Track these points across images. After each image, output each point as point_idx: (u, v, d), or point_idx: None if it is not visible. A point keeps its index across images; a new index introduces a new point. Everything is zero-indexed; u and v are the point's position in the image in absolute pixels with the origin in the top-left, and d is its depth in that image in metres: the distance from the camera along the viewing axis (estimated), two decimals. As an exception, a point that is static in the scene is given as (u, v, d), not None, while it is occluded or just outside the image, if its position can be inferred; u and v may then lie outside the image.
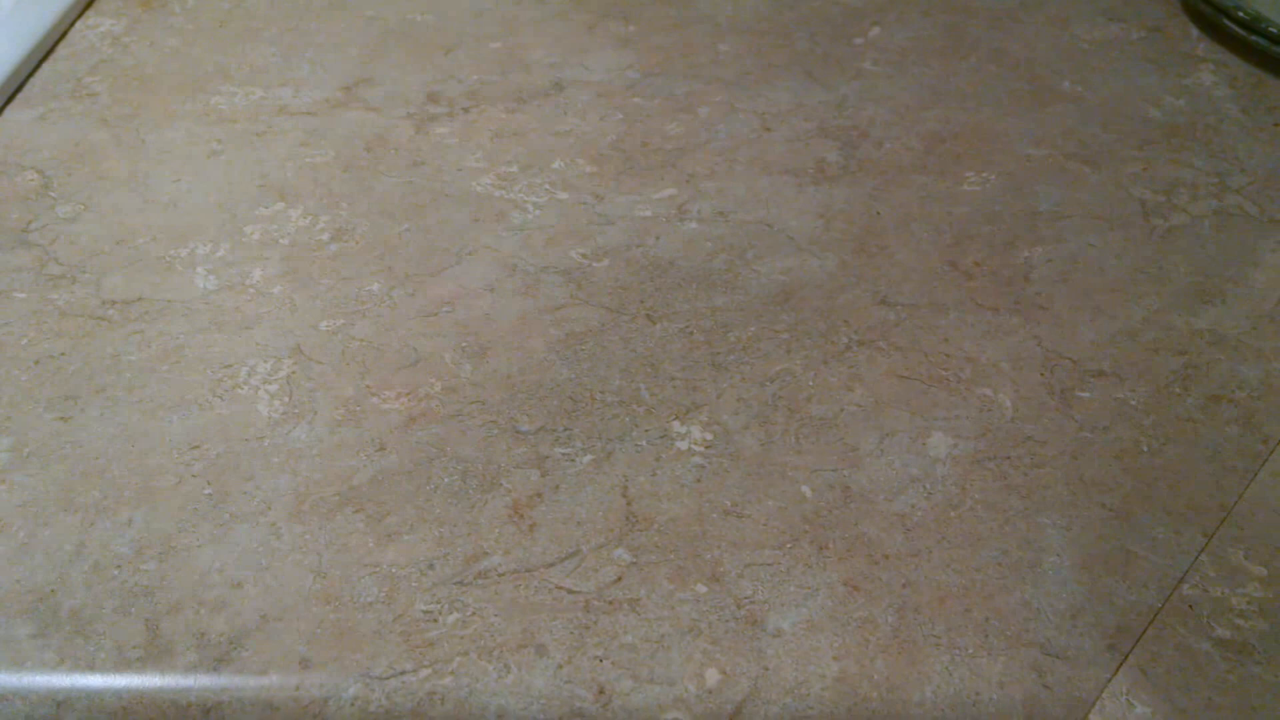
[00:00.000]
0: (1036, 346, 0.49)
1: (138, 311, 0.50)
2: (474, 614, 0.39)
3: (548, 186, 0.58)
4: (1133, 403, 0.46)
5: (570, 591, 0.40)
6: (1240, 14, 0.65)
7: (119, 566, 0.41)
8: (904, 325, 0.50)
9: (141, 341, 0.49)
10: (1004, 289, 0.52)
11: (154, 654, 0.38)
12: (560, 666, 0.38)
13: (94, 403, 0.47)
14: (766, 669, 0.38)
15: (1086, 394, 0.47)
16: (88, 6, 0.73)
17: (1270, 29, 0.64)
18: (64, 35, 0.70)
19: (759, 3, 0.73)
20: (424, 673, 0.38)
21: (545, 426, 0.46)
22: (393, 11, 0.73)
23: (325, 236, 0.55)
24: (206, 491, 0.43)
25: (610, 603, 0.40)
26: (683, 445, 0.45)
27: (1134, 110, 0.63)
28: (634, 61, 0.67)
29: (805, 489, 0.43)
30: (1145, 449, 0.45)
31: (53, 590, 0.40)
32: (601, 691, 0.37)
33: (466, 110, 0.63)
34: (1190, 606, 0.39)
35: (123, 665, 0.38)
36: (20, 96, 0.65)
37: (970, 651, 0.38)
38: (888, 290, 0.52)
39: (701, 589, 0.40)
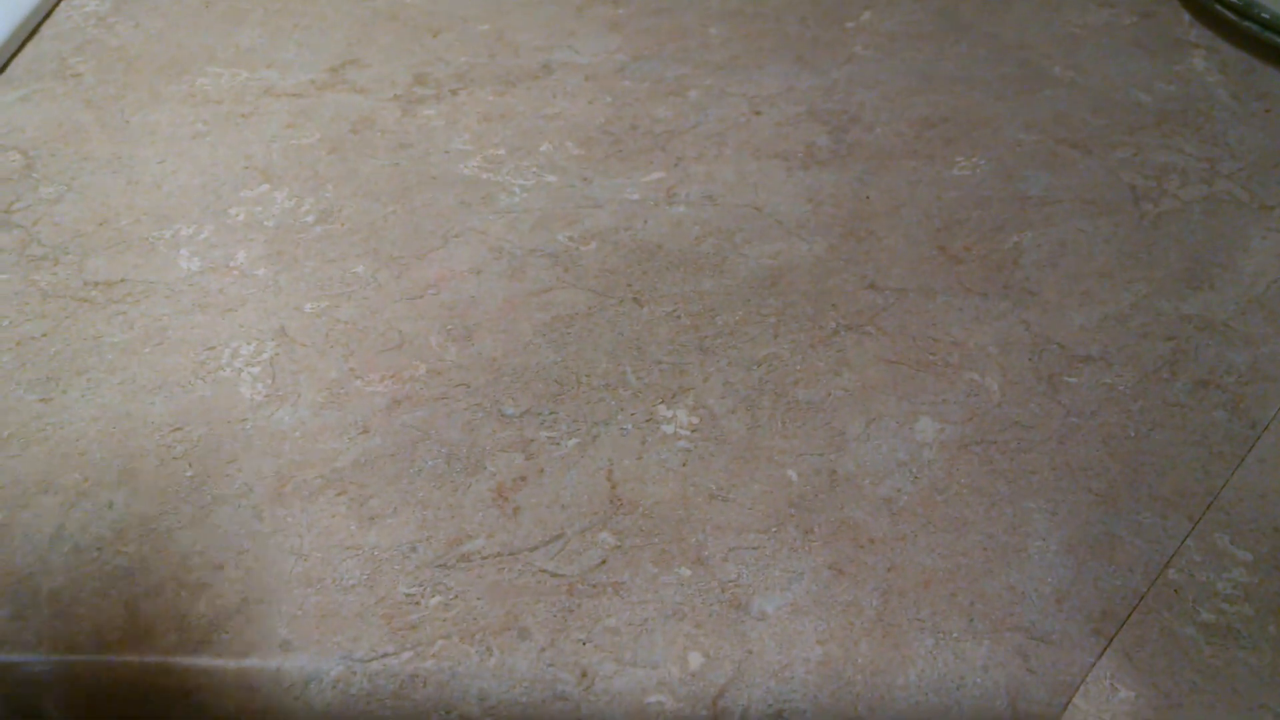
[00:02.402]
0: (1025, 331, 0.49)
1: (121, 293, 0.50)
2: (457, 597, 0.39)
3: (535, 169, 0.57)
4: (1120, 388, 0.46)
5: (554, 575, 0.40)
6: (1232, -1, 0.65)
7: (99, 549, 0.40)
8: (892, 310, 0.50)
9: (124, 323, 0.49)
10: (993, 274, 0.51)
11: (134, 636, 0.38)
12: (543, 650, 0.37)
13: (75, 384, 0.46)
14: (750, 652, 0.37)
15: (1074, 379, 0.47)
16: (73, -13, 0.72)
17: (1262, 14, 0.64)
18: (49, 15, 0.70)
19: (750, -14, 0.73)
20: (406, 655, 0.37)
21: (530, 409, 0.45)
22: (381, -7, 0.72)
23: (310, 218, 0.54)
24: (188, 474, 0.43)
25: (594, 586, 0.39)
26: (668, 429, 0.45)
27: (1125, 95, 0.63)
28: (623, 44, 0.67)
29: (791, 473, 0.43)
30: (1132, 434, 0.44)
31: (32, 572, 0.40)
32: (584, 675, 0.37)
33: (454, 93, 0.63)
34: (1175, 591, 0.39)
35: (102, 648, 0.38)
36: (4, 77, 0.64)
37: (955, 635, 0.38)
38: (876, 275, 0.51)
39: (686, 572, 0.40)
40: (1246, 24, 0.65)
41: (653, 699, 0.36)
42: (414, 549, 0.40)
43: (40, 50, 0.67)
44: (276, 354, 0.47)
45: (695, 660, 0.37)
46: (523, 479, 0.43)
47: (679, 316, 0.49)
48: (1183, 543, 0.41)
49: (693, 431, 0.44)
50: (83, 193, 0.56)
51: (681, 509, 0.42)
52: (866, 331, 0.49)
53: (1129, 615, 0.38)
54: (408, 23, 0.69)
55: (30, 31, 0.68)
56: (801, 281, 0.51)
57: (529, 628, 0.38)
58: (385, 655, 0.37)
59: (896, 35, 0.68)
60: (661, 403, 0.46)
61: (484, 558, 0.40)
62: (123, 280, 0.51)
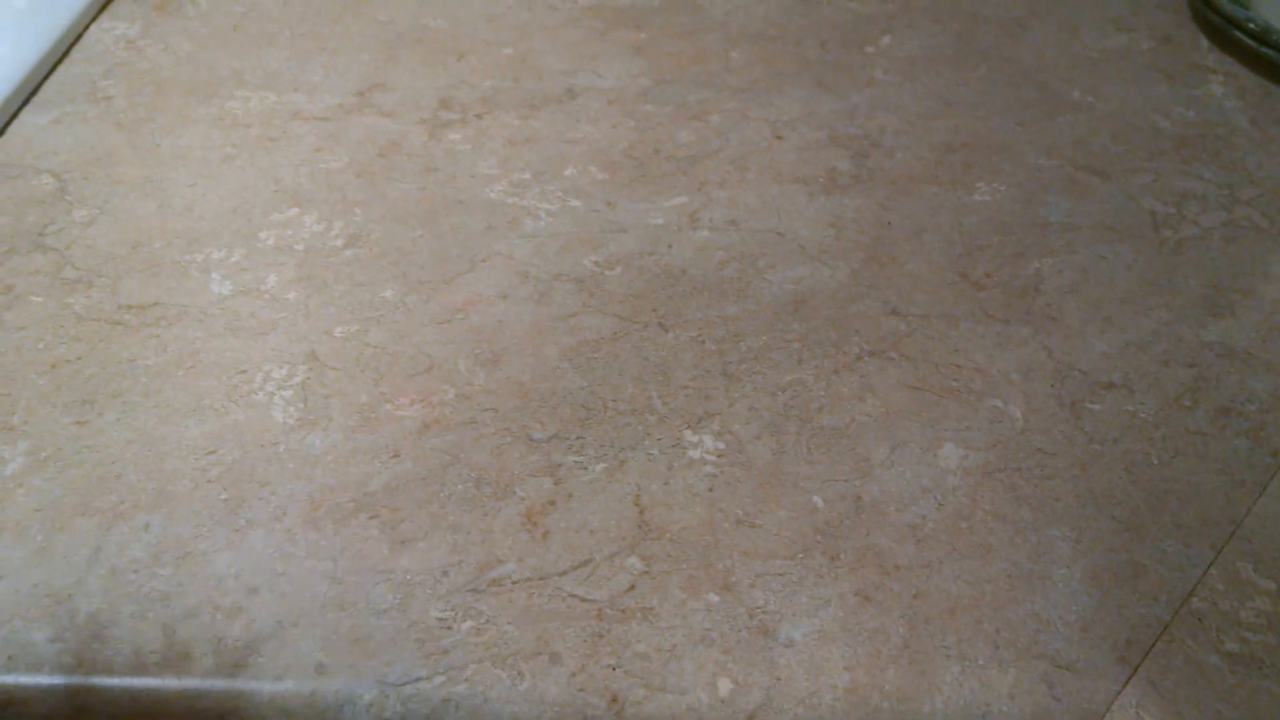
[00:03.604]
0: (1047, 358, 0.49)
1: (154, 316, 0.51)
2: (488, 621, 0.39)
3: (560, 194, 0.58)
4: (1142, 415, 0.47)
5: (583, 600, 0.40)
6: (1250, 25, 0.66)
7: (136, 571, 0.41)
8: (915, 336, 0.50)
9: (158, 346, 0.49)
10: (1015, 300, 0.52)
11: (171, 659, 0.39)
12: (573, 675, 0.38)
13: (110, 407, 0.47)
14: (778, 679, 0.38)
15: (1097, 406, 0.47)
16: (102, 9, 0.73)
17: (1281, 41, 0.64)
18: (79, 38, 0.71)
19: (770, 10, 0.74)
20: (438, 679, 0.38)
21: (558, 434, 0.46)
22: (405, 16, 0.73)
23: (339, 242, 0.55)
24: (223, 497, 0.44)
25: (623, 611, 0.40)
26: (695, 454, 0.45)
27: (1144, 121, 0.63)
28: (646, 69, 0.68)
29: (817, 499, 0.44)
30: (1155, 461, 0.45)
31: (70, 594, 0.40)
32: (614, 700, 0.37)
33: (479, 117, 0.64)
34: (1199, 619, 0.40)
35: (140, 670, 0.38)
36: (35, 100, 0.65)
37: (981, 663, 0.38)
38: (899, 301, 0.52)
39: (714, 598, 0.40)
40: (1265, 50, 0.65)
41: (682, 724, 0.37)
42: (445, 573, 0.41)
43: (71, 73, 0.68)
44: (308, 378, 0.48)
45: (724, 686, 0.38)
46: (551, 503, 0.43)
47: (704, 341, 0.50)
48: (1206, 571, 0.41)
49: (719, 457, 0.45)
50: (115, 216, 0.56)
51: (709, 535, 0.42)
52: (890, 358, 0.49)
53: (1154, 644, 0.39)
54: (432, 46, 0.70)
55: (61, 55, 0.69)
56: (825, 307, 0.52)
57: (559, 653, 0.39)
58: (418, 679, 0.38)
59: (916, 59, 0.69)
60: (688, 428, 0.46)
61: (514, 582, 0.41)
62: (156, 304, 0.51)
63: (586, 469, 0.45)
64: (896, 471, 0.45)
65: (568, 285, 0.53)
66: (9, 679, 0.38)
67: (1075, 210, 0.57)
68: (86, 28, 0.72)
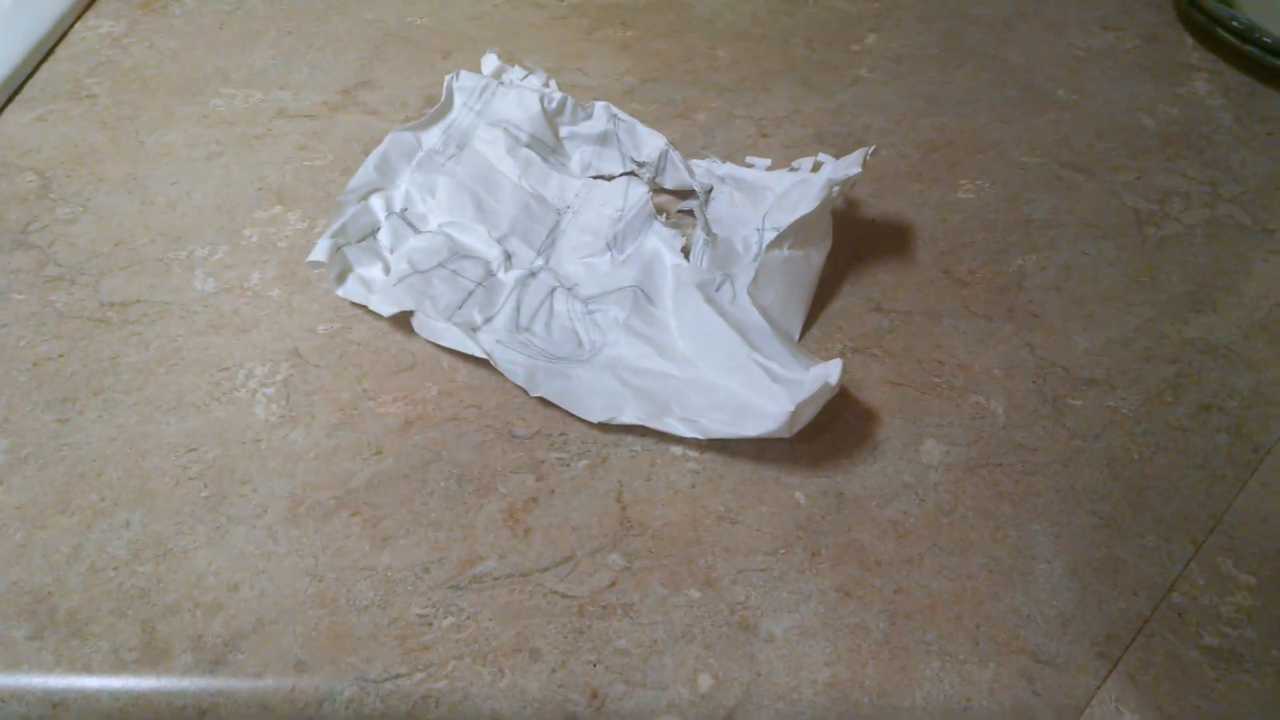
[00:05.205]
0: (1029, 354, 0.49)
1: (136, 313, 0.51)
2: (469, 618, 0.39)
3: (545, 191, 0.58)
4: (1124, 411, 0.47)
5: (564, 596, 0.40)
6: (1234, 23, 0.66)
7: (116, 568, 0.41)
8: (898, 332, 0.50)
9: (140, 343, 0.49)
10: (997, 297, 0.52)
11: (150, 656, 0.38)
12: (554, 671, 0.38)
13: (92, 404, 0.47)
14: (759, 674, 0.38)
15: (1078, 402, 0.47)
16: (87, 8, 0.73)
17: (1264, 39, 0.64)
18: (64, 36, 0.71)
19: (757, 9, 0.74)
20: (419, 676, 0.38)
21: (541, 431, 0.46)
22: (392, 15, 0.73)
23: (323, 240, 0.55)
24: (204, 494, 0.43)
25: (604, 607, 0.40)
26: (677, 451, 0.45)
27: (1128, 119, 0.63)
28: (632, 67, 0.68)
29: (798, 495, 0.44)
30: (1136, 457, 0.45)
31: (50, 592, 0.40)
32: (594, 696, 0.37)
33: (464, 114, 0.63)
34: (1179, 614, 0.40)
35: (119, 667, 0.38)
36: (20, 97, 0.65)
37: (961, 658, 0.38)
38: (882, 297, 0.52)
39: (695, 594, 0.40)
40: (1248, 48, 0.65)
41: (662, 720, 0.37)
42: (427, 570, 0.41)
43: (55, 71, 0.67)
44: (290, 375, 0.48)
45: (705, 682, 0.38)
46: (534, 500, 0.43)
47: (687, 338, 0.50)
48: (1186, 566, 0.41)
49: (701, 453, 0.45)
50: (98, 213, 0.56)
51: (691, 531, 0.42)
52: (873, 354, 0.49)
53: (1133, 638, 0.39)
54: (419, 44, 0.70)
55: (45, 52, 0.69)
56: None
57: (540, 649, 0.39)
58: (398, 676, 0.38)
59: (901, 58, 0.69)
60: (670, 425, 0.46)
61: (495, 579, 0.41)
62: (138, 301, 0.51)
63: (569, 466, 0.45)
64: (878, 467, 0.45)
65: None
66: (-13, 676, 0.38)
67: (1059, 208, 0.57)
68: (72, 25, 0.72)
